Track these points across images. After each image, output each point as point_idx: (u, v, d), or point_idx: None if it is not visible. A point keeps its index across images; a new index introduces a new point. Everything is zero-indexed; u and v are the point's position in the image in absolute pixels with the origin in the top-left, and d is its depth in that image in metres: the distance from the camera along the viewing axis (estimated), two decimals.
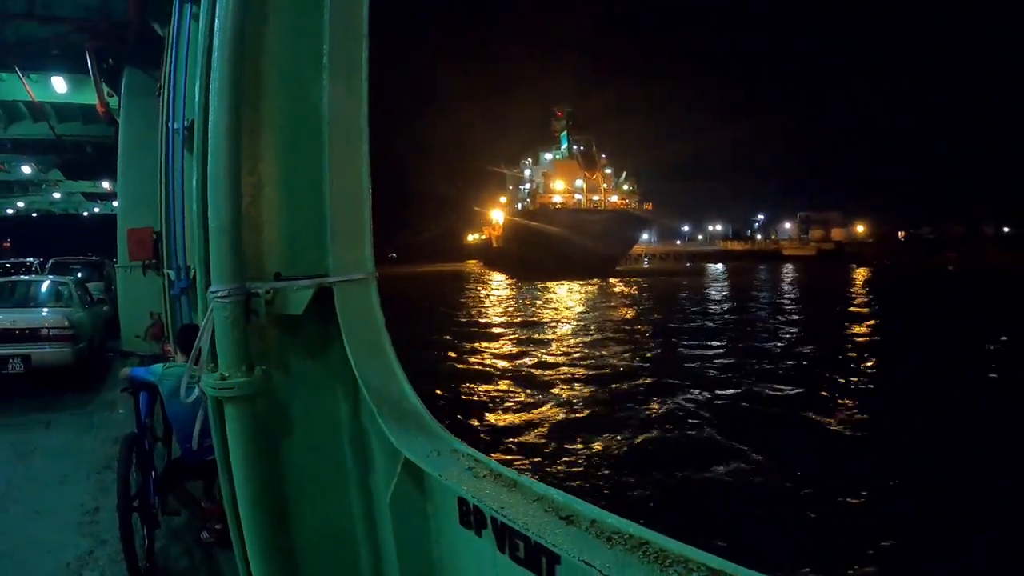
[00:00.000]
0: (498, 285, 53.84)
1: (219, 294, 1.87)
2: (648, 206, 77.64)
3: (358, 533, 2.09)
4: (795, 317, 25.90)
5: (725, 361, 16.23)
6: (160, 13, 8.61)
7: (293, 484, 2.06)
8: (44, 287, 10.67)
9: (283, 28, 2.09)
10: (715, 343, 19.07)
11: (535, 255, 66.87)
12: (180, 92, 6.85)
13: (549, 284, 48.99)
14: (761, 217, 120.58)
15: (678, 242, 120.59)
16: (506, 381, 14.32)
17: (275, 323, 2.06)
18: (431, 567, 1.81)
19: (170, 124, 7.05)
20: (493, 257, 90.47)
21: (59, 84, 14.28)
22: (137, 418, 4.13)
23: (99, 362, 9.82)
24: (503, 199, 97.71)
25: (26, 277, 12.64)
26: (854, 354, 16.99)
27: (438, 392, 12.79)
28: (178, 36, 7.41)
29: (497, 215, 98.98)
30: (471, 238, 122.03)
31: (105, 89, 12.87)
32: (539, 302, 35.02)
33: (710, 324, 23.80)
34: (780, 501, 7.55)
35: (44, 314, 9.24)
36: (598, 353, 17.58)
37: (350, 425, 2.13)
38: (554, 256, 64.04)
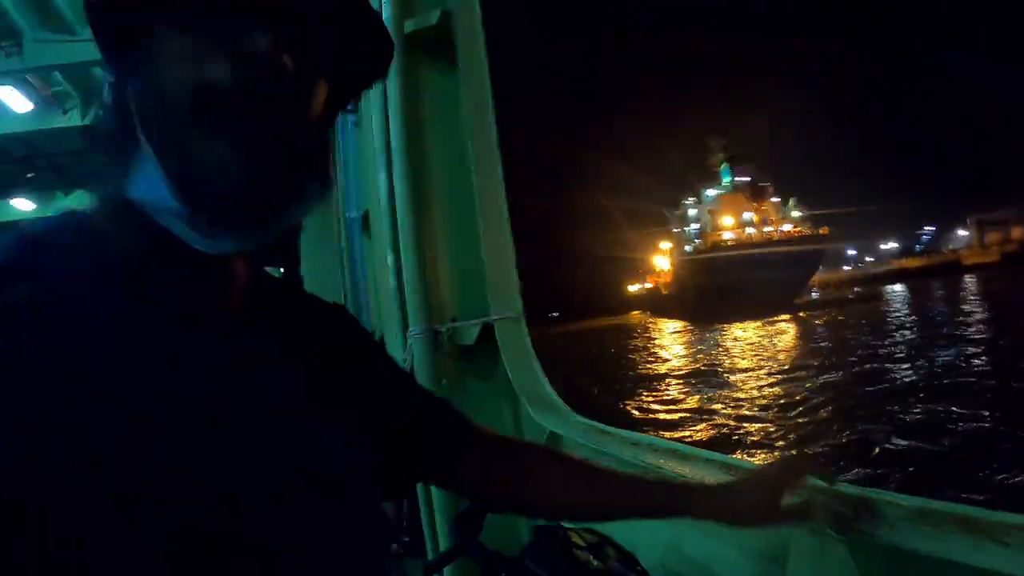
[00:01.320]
0: (675, 332, 50.30)
1: (415, 333, 2.67)
2: (823, 230, 73.30)
3: None
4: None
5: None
6: None
7: None
8: None
9: (437, 132, 2.91)
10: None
11: (713, 297, 63.64)
12: (351, 187, 8.17)
13: (734, 325, 44.73)
14: (930, 229, 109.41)
15: (845, 267, 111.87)
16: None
17: (455, 353, 2.81)
18: None
19: (347, 214, 8.40)
20: (661, 305, 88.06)
21: None
22: None
23: None
24: (666, 244, 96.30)
25: None
26: None
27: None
28: (344, 141, 8.87)
29: (661, 261, 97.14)
30: (632, 289, 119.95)
31: None
32: (739, 350, 31.00)
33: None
34: None
35: None
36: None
37: (512, 429, 2.79)
38: (734, 296, 60.30)
